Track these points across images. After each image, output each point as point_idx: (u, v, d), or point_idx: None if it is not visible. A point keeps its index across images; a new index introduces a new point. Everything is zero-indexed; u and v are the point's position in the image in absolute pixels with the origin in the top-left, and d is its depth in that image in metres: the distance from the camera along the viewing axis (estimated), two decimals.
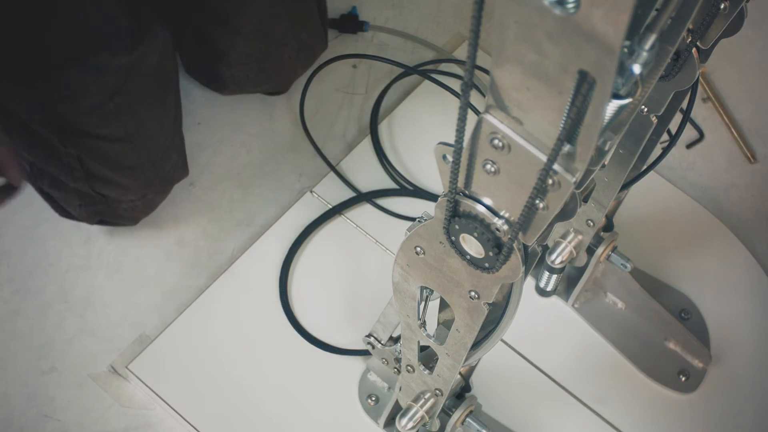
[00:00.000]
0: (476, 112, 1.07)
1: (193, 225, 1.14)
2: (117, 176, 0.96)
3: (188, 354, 1.05)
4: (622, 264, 1.01)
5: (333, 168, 1.16)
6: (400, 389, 0.89)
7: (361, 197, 1.15)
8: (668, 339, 1.08)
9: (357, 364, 1.05)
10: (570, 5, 0.36)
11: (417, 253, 0.63)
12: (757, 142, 1.26)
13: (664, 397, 1.07)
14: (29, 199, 1.06)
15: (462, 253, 0.58)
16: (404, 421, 0.87)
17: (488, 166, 0.49)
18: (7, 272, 1.09)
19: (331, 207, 1.14)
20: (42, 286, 1.09)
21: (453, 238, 0.57)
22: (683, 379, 1.08)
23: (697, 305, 1.11)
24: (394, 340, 0.90)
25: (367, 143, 1.20)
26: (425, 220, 0.61)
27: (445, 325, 0.78)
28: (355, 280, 1.11)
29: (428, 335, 0.75)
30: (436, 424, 0.90)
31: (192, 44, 1.09)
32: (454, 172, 0.51)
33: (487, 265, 0.57)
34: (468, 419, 0.92)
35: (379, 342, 0.90)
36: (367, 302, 1.08)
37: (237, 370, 1.04)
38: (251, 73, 1.09)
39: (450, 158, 0.51)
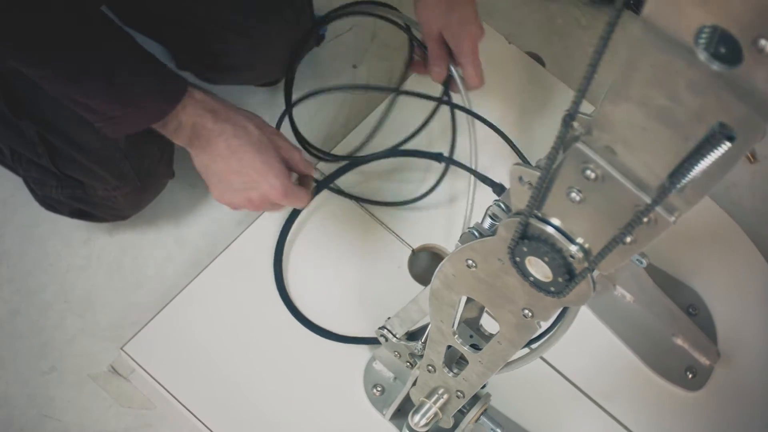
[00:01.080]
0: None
1: (193, 225, 1.13)
2: (82, 159, 0.93)
3: (185, 336, 1.03)
4: (637, 259, 1.00)
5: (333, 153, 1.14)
6: (414, 384, 0.87)
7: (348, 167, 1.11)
8: (676, 335, 1.07)
9: (358, 348, 1.03)
10: (729, 62, 0.34)
11: (468, 266, 0.62)
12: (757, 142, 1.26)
13: (671, 394, 1.06)
14: (29, 199, 1.06)
15: (525, 274, 0.56)
16: (417, 417, 0.85)
17: (573, 195, 0.47)
18: (7, 272, 1.08)
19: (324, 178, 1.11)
20: (42, 286, 1.08)
21: (517, 258, 0.55)
22: (690, 376, 1.07)
23: (705, 301, 1.11)
24: (410, 335, 0.89)
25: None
26: (478, 234, 0.59)
27: (468, 324, 0.76)
28: (352, 261, 1.09)
29: (463, 343, 0.73)
30: (450, 421, 0.89)
31: (175, 33, 1.09)
32: (535, 198, 0.49)
33: (553, 289, 0.55)
34: (482, 417, 0.90)
35: (394, 336, 0.89)
36: (365, 284, 1.07)
37: (235, 355, 1.02)
38: (241, 47, 1.07)
39: (528, 180, 0.49)
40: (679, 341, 1.08)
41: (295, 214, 1.09)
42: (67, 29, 0.74)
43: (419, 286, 1.08)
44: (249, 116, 0.87)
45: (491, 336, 0.75)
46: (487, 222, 0.68)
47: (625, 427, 1.04)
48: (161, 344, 1.02)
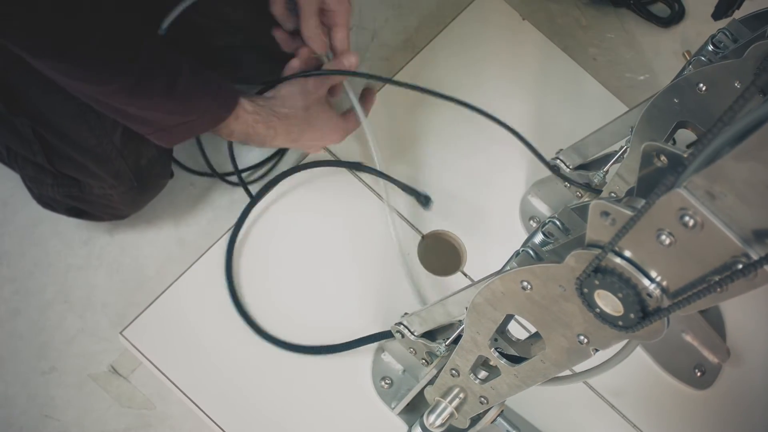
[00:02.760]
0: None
1: (193, 225, 1.12)
2: (78, 156, 0.93)
3: (185, 321, 1.02)
4: None
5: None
6: (431, 383, 0.85)
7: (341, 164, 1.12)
8: (686, 331, 1.06)
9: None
10: None
11: (523, 288, 0.60)
12: None
13: (679, 392, 1.05)
14: (30, 199, 1.05)
15: (591, 305, 0.55)
16: (432, 418, 0.83)
17: (663, 237, 0.47)
18: (7, 272, 1.07)
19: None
20: (42, 286, 1.07)
21: (585, 290, 0.54)
22: (699, 374, 1.05)
23: None
24: (428, 334, 0.87)
25: None
26: (534, 254, 0.59)
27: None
28: (357, 247, 1.08)
29: (499, 356, 0.71)
30: (466, 422, 0.87)
31: (175, 31, 1.08)
32: (620, 236, 0.48)
33: (621, 323, 0.54)
34: (498, 418, 0.88)
35: (412, 333, 0.87)
36: (371, 272, 1.06)
37: (236, 340, 1.01)
38: (238, 42, 1.06)
39: (613, 217, 0.48)
40: (688, 338, 1.07)
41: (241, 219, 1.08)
42: (133, 45, 0.75)
43: (429, 275, 1.07)
44: (292, 104, 0.92)
45: (518, 341, 0.73)
46: (539, 237, 0.66)
47: (633, 425, 1.03)
48: (161, 329, 1.01)
